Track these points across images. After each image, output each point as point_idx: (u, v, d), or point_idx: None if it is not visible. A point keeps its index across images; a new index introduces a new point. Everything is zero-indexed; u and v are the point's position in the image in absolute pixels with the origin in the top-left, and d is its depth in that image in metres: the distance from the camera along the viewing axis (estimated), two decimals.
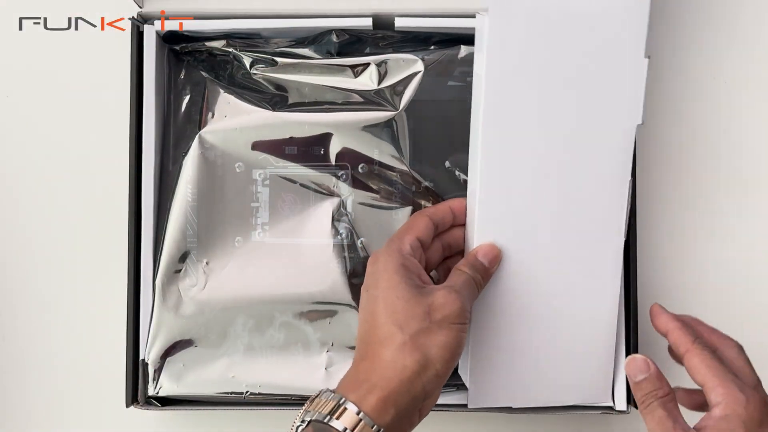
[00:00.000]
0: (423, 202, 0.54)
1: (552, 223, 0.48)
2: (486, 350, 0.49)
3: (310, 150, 0.54)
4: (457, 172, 0.54)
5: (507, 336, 0.49)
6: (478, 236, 0.48)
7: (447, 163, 0.54)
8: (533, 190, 0.47)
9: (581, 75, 0.45)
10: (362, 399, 0.42)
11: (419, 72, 0.54)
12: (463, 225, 0.51)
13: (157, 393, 0.54)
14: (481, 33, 0.46)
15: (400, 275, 0.45)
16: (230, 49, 0.55)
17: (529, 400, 0.51)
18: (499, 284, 0.49)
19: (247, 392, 0.53)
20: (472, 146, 0.49)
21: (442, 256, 0.51)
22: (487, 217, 0.48)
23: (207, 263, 0.54)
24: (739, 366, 0.47)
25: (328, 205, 0.54)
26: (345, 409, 0.42)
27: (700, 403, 0.50)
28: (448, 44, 0.54)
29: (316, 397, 0.44)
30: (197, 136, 0.54)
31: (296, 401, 0.53)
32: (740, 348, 0.48)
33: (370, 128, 0.54)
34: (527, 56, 0.45)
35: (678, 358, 0.48)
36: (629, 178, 0.48)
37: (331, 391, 0.43)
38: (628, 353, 0.53)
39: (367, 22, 0.54)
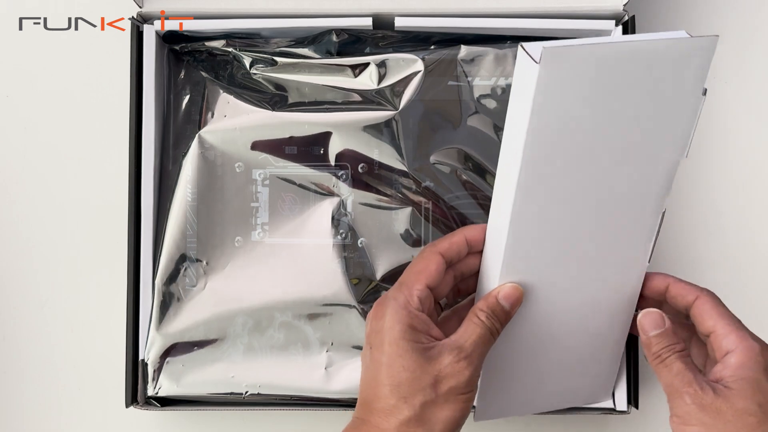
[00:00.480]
0: (423, 202, 0.54)
1: (579, 258, 0.46)
2: (494, 368, 0.48)
3: (309, 150, 0.54)
4: (458, 172, 0.54)
5: (515, 353, 0.48)
6: (503, 277, 0.45)
7: (447, 163, 0.54)
8: (565, 230, 0.45)
9: (631, 116, 0.42)
10: None
11: (419, 72, 0.54)
12: (478, 252, 0.47)
13: (157, 393, 0.54)
14: (524, 75, 0.40)
15: (406, 340, 0.43)
16: (230, 49, 0.55)
17: (534, 408, 0.51)
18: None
19: (246, 392, 0.53)
20: (500, 178, 0.44)
21: (454, 285, 0.48)
22: (514, 257, 0.44)
23: (206, 263, 0.54)
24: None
25: (328, 205, 0.54)
26: None
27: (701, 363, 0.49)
28: (448, 44, 0.54)
29: None
30: (197, 136, 0.54)
31: (296, 401, 0.53)
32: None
33: (370, 128, 0.54)
34: (576, 105, 0.40)
35: (680, 308, 0.47)
36: (663, 209, 0.46)
37: None
38: (628, 352, 0.53)
39: (367, 22, 0.54)
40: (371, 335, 0.44)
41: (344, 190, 0.54)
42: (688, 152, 0.44)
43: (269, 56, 0.55)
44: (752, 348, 0.43)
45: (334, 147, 0.54)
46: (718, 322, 0.45)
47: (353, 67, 0.54)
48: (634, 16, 0.54)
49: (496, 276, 0.45)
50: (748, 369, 0.43)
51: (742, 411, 0.42)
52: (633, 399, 0.53)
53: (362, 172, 0.54)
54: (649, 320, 0.45)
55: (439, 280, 0.46)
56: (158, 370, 0.54)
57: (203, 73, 0.56)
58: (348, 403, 0.53)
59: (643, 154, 0.43)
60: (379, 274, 0.54)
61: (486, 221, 0.46)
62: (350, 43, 0.55)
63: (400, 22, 0.54)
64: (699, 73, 0.41)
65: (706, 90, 0.43)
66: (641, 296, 0.49)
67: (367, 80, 0.54)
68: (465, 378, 0.42)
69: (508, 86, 0.53)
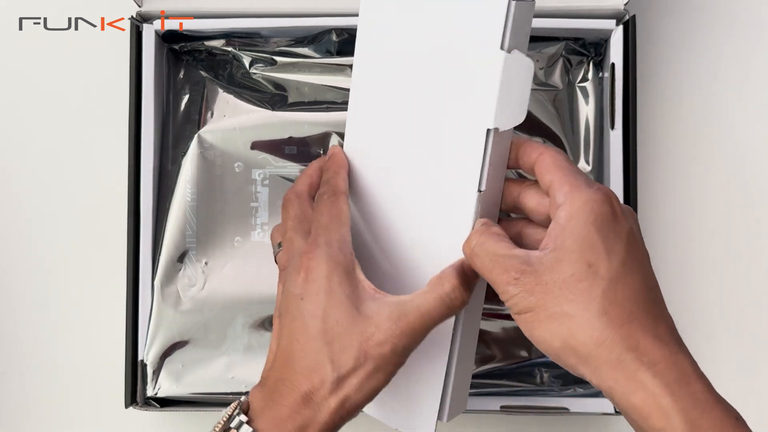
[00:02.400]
0: None
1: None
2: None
3: (309, 150, 0.54)
4: None
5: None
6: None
7: None
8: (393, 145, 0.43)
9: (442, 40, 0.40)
10: None
11: None
12: None
13: (156, 394, 0.54)
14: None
15: (343, 290, 0.39)
16: (229, 49, 0.55)
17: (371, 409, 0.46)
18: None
19: (246, 393, 0.53)
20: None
21: None
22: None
23: (206, 263, 0.54)
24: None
25: None
26: None
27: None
28: None
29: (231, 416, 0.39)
30: (196, 136, 0.54)
31: None
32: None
33: None
34: (395, 20, 0.41)
35: (528, 170, 0.40)
36: (489, 127, 0.39)
37: (246, 423, 0.38)
38: None
39: None
40: (304, 286, 0.39)
41: None
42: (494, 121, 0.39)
43: (269, 56, 0.55)
44: (582, 197, 0.36)
45: None
46: (555, 175, 0.38)
47: (353, 66, 0.54)
48: (635, 15, 0.53)
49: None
50: (575, 224, 0.36)
51: (570, 279, 0.35)
52: None
53: None
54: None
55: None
56: (157, 371, 0.54)
57: (203, 73, 0.56)
58: None
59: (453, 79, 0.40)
60: None
61: None
62: (350, 43, 0.54)
63: None
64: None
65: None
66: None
67: None
68: (399, 348, 0.38)
69: None
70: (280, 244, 0.44)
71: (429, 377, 0.43)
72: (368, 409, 0.44)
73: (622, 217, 0.37)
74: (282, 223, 0.44)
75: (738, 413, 0.35)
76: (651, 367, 0.34)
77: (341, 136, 0.54)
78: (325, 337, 0.38)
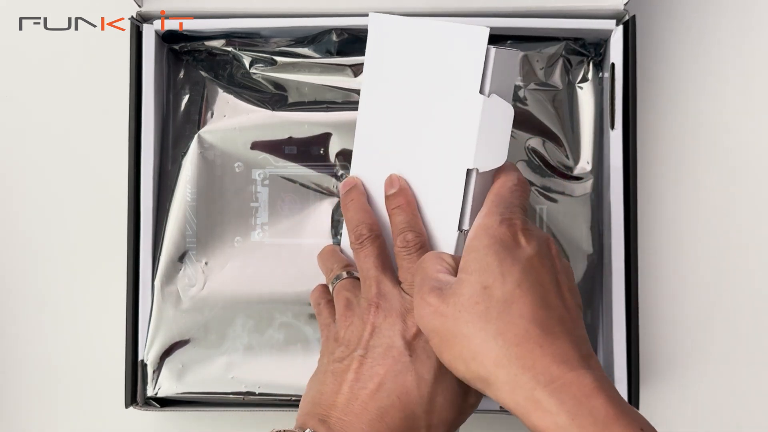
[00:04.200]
0: None
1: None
2: None
3: (309, 150, 0.54)
4: None
5: None
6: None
7: None
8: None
9: (430, 85, 0.43)
10: None
11: None
12: None
13: (156, 394, 0.54)
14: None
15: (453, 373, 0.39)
16: (230, 49, 0.55)
17: None
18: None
19: (246, 393, 0.53)
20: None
21: None
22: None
23: (206, 263, 0.54)
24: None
25: (328, 205, 0.54)
26: None
27: None
28: None
29: None
30: (196, 136, 0.54)
31: (295, 402, 0.53)
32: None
33: None
34: (395, 62, 0.45)
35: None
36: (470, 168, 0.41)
37: None
38: (629, 353, 0.53)
39: (367, 22, 0.53)
40: (414, 341, 0.39)
41: None
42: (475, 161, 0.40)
43: (269, 56, 0.55)
44: (484, 224, 0.37)
45: (334, 147, 0.54)
46: (487, 200, 0.39)
47: (353, 66, 0.54)
48: (635, 15, 0.53)
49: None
50: (475, 247, 0.37)
51: (467, 301, 0.36)
52: (633, 399, 0.53)
53: None
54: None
55: None
56: (158, 371, 0.54)
57: (203, 73, 0.56)
58: None
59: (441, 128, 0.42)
60: None
61: None
62: (350, 43, 0.54)
63: None
64: (473, 62, 0.40)
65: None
66: None
67: None
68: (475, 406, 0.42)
69: None
70: (338, 277, 0.46)
71: None
72: None
73: (525, 245, 0.38)
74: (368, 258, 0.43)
75: (645, 422, 0.34)
76: (547, 385, 0.34)
77: (341, 136, 0.54)
78: (428, 406, 0.38)
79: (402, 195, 0.43)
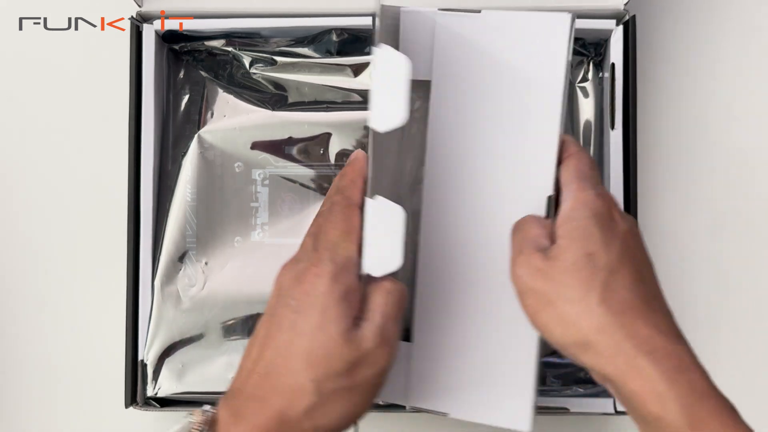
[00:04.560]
0: None
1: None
2: (429, 350, 0.46)
3: (309, 150, 0.54)
4: None
5: (450, 338, 0.46)
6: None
7: None
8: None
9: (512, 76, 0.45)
10: None
11: None
12: None
13: (156, 394, 0.54)
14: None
15: (336, 312, 0.37)
16: (230, 49, 0.55)
17: (464, 411, 0.47)
18: (452, 285, 0.46)
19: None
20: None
21: None
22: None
23: (206, 263, 0.54)
24: None
25: None
26: None
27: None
28: None
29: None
30: (196, 136, 0.54)
31: None
32: None
33: None
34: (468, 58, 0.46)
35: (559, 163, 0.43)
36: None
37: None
38: None
39: (367, 21, 0.54)
40: (301, 296, 0.38)
41: None
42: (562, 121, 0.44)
43: (269, 56, 0.55)
44: (583, 196, 0.39)
45: (334, 147, 0.54)
46: (569, 176, 0.41)
47: (353, 66, 0.54)
48: (635, 15, 0.53)
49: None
50: (576, 218, 0.38)
51: (571, 267, 0.37)
52: None
53: None
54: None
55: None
56: (157, 371, 0.54)
57: (203, 73, 0.56)
58: None
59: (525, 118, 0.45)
60: None
61: None
62: (350, 43, 0.54)
63: None
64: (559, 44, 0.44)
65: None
66: None
67: (367, 80, 0.54)
68: (383, 365, 0.38)
69: None
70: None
71: (520, 366, 0.45)
72: (455, 412, 0.46)
73: (620, 220, 0.39)
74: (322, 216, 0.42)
75: (733, 405, 0.35)
76: (649, 354, 0.35)
77: (341, 136, 0.54)
78: (310, 358, 0.37)
79: (350, 165, 0.43)
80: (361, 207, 0.41)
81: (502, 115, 0.45)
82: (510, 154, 0.45)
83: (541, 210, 0.43)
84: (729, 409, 0.35)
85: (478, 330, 0.46)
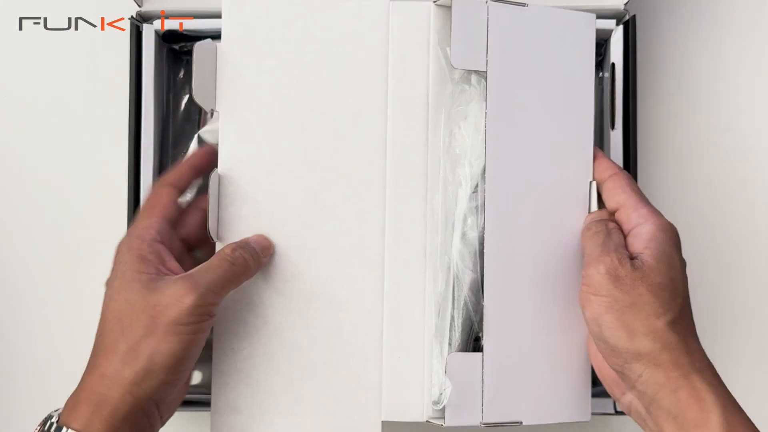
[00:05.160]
0: None
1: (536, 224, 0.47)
2: (500, 360, 0.46)
3: None
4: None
5: (518, 345, 0.47)
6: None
7: None
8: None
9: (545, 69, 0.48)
10: (88, 425, 0.39)
11: None
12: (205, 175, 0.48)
13: None
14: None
15: (133, 271, 0.42)
16: None
17: (535, 415, 0.48)
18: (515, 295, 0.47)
19: None
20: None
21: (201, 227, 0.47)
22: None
23: None
24: None
25: None
26: None
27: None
28: None
29: (40, 426, 0.41)
30: (196, 136, 0.54)
31: None
32: None
33: None
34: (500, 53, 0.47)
35: (599, 181, 0.47)
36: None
37: (52, 419, 0.40)
38: None
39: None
40: (110, 273, 0.43)
41: None
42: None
43: None
44: (663, 223, 0.43)
45: None
46: (630, 197, 0.44)
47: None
48: (635, 15, 0.53)
49: None
50: (661, 243, 0.43)
51: (656, 285, 0.41)
52: None
53: None
54: (597, 214, 0.46)
55: (174, 212, 0.46)
56: None
57: None
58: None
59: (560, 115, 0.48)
60: None
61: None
62: None
63: None
64: (585, 41, 0.48)
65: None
66: None
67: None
68: (186, 306, 0.40)
69: None
70: None
71: (577, 362, 0.47)
72: (528, 419, 0.47)
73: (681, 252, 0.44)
74: None
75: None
76: (699, 371, 0.40)
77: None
78: (118, 316, 0.41)
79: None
80: (174, 185, 0.46)
81: (543, 106, 0.47)
82: (551, 145, 0.47)
83: (583, 199, 0.47)
84: (753, 424, 0.40)
85: (540, 335, 0.47)
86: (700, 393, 0.39)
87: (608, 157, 0.48)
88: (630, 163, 0.53)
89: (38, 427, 0.40)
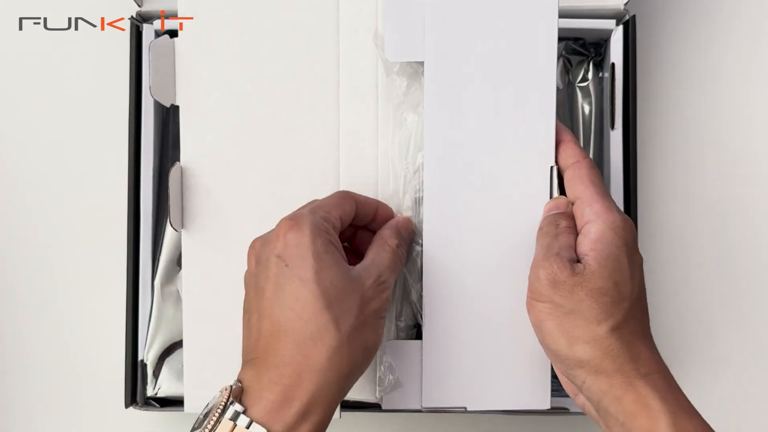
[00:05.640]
0: None
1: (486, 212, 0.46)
2: (439, 346, 0.47)
3: None
4: None
5: (460, 331, 0.46)
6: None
7: None
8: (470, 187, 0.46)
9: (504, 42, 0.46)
10: (290, 430, 0.36)
11: None
12: (374, 232, 0.46)
13: (156, 393, 0.54)
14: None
15: (330, 255, 0.38)
16: None
17: (482, 401, 0.48)
18: (454, 278, 0.46)
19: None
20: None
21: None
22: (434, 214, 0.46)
23: None
24: None
25: None
26: None
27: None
28: None
29: (220, 416, 0.36)
30: None
31: None
32: None
33: None
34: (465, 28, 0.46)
35: (560, 163, 0.45)
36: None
37: (243, 414, 0.36)
38: None
39: None
40: (280, 248, 0.38)
41: None
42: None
43: None
44: (614, 221, 0.40)
45: None
46: (588, 189, 0.42)
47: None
48: (635, 15, 0.53)
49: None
50: (608, 243, 0.40)
51: (597, 290, 0.39)
52: None
53: None
54: (554, 203, 0.44)
55: (349, 219, 0.43)
56: (157, 371, 0.54)
57: None
58: (348, 404, 0.52)
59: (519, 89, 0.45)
60: None
61: None
62: None
63: None
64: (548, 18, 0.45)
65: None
66: None
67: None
68: (386, 298, 0.40)
69: None
70: None
71: (534, 350, 0.45)
72: (473, 404, 0.46)
73: (638, 252, 0.41)
74: None
75: (711, 427, 0.39)
76: (645, 376, 0.39)
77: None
78: (324, 301, 0.37)
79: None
80: (357, 201, 0.44)
81: (496, 91, 0.45)
82: (508, 129, 0.45)
83: (544, 183, 0.45)
84: (709, 428, 0.38)
85: (488, 321, 0.46)
86: (646, 400, 0.38)
87: (577, 142, 0.45)
88: (630, 163, 0.53)
89: (217, 412, 0.36)
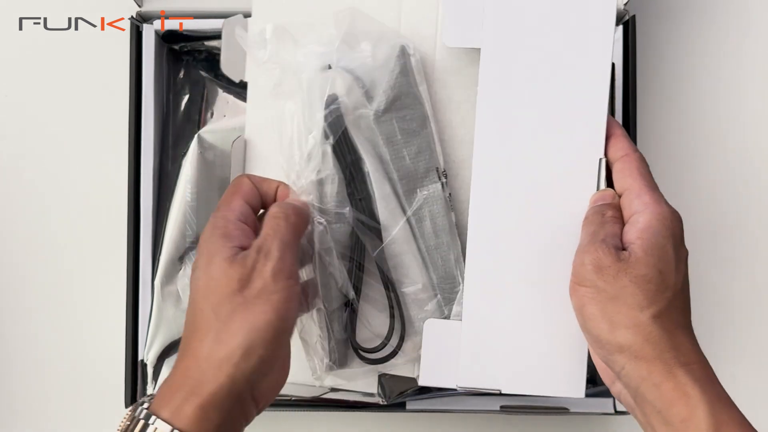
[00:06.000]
0: None
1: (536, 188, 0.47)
2: (479, 329, 0.47)
3: None
4: None
5: (501, 316, 0.47)
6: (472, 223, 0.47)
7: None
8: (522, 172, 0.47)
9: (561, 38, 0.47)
10: (177, 413, 0.37)
11: None
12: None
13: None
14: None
15: (217, 246, 0.41)
16: None
17: (517, 386, 0.48)
18: (501, 264, 0.47)
19: None
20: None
21: None
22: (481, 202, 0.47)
23: None
24: None
25: None
26: (155, 430, 0.37)
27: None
28: None
29: (131, 411, 0.39)
30: (196, 136, 0.54)
31: (295, 402, 0.53)
32: None
33: None
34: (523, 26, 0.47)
35: (609, 162, 0.45)
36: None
37: (143, 406, 0.39)
38: None
39: None
40: (196, 260, 0.42)
41: None
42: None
43: None
44: (662, 212, 0.42)
45: None
46: (636, 181, 0.43)
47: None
48: (635, 15, 0.53)
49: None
50: (655, 233, 0.41)
51: (641, 277, 0.40)
52: None
53: None
54: (600, 195, 0.45)
55: (255, 196, 0.44)
56: (158, 371, 0.54)
57: (203, 73, 0.56)
58: (349, 405, 0.52)
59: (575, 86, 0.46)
60: None
61: None
62: None
63: None
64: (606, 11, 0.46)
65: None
66: None
67: None
68: (268, 274, 0.40)
69: None
70: None
71: (572, 338, 0.46)
72: (508, 387, 0.47)
73: (684, 243, 0.42)
74: None
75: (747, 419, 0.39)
76: (685, 365, 0.39)
77: None
78: (205, 294, 0.40)
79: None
80: (255, 183, 0.45)
81: (551, 80, 0.46)
82: (560, 120, 0.46)
83: (592, 174, 0.46)
84: (746, 421, 0.39)
85: (528, 308, 0.47)
86: (685, 388, 0.38)
87: (627, 136, 0.46)
88: None
89: (129, 412, 0.39)
